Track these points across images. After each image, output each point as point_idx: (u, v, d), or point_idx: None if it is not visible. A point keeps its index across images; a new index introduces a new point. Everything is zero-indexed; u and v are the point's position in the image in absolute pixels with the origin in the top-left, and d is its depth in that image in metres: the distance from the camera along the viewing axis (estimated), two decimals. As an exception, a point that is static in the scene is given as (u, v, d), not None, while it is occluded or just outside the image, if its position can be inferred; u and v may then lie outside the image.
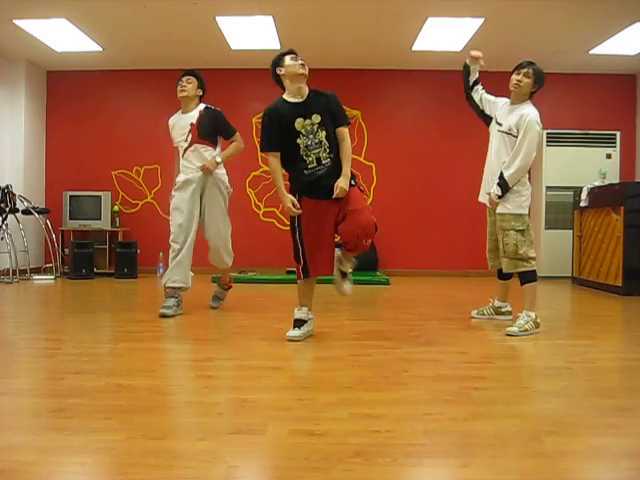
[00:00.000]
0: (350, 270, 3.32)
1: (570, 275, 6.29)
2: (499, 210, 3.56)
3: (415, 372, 2.55)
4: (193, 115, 4.01)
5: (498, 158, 3.58)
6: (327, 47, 6.37)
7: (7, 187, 6.17)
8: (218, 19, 5.49)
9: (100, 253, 6.88)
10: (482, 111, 3.82)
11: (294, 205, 3.13)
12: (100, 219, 6.86)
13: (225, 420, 1.93)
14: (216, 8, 5.25)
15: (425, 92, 7.12)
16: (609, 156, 6.67)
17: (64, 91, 7.22)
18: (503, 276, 3.79)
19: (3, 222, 6.09)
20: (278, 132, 3.13)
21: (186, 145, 4.01)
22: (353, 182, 3.16)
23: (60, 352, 2.92)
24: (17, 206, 6.29)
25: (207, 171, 3.97)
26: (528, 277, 3.50)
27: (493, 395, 2.23)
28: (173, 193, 4.12)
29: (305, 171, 3.13)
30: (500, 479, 1.49)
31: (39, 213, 6.58)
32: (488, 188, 3.63)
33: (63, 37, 5.95)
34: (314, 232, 3.14)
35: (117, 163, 7.21)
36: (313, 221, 3.14)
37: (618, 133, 6.72)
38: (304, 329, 3.18)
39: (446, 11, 5.28)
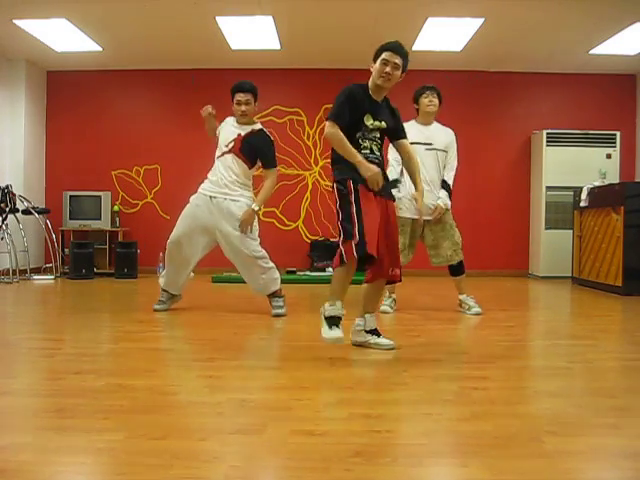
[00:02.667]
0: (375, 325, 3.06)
1: (570, 275, 6.28)
2: (445, 205, 4.08)
3: (415, 372, 2.55)
4: (245, 128, 3.97)
5: (430, 172, 4.04)
6: (327, 47, 6.37)
7: (7, 187, 6.17)
8: (218, 19, 5.49)
9: (100, 253, 6.88)
10: None
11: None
12: (100, 219, 6.86)
13: (225, 420, 1.93)
14: (216, 8, 5.25)
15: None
16: (609, 156, 6.66)
17: (64, 91, 7.22)
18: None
19: (3, 222, 6.09)
20: (350, 111, 2.87)
21: (226, 150, 3.96)
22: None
23: (60, 352, 2.92)
24: (17, 206, 6.29)
25: (246, 223, 3.86)
26: (463, 265, 4.16)
27: (493, 395, 2.23)
28: (192, 199, 4.04)
29: (358, 150, 2.88)
30: (500, 479, 1.49)
31: (39, 213, 6.57)
32: (428, 199, 3.95)
33: (63, 37, 5.95)
34: (372, 214, 2.79)
35: (117, 163, 7.20)
36: (371, 206, 2.81)
37: (618, 133, 6.72)
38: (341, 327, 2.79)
39: (446, 11, 5.28)
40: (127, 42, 6.23)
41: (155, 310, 4.10)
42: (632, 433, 1.82)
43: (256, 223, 4.00)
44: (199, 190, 4.04)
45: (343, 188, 2.84)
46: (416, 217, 3.94)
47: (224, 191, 3.93)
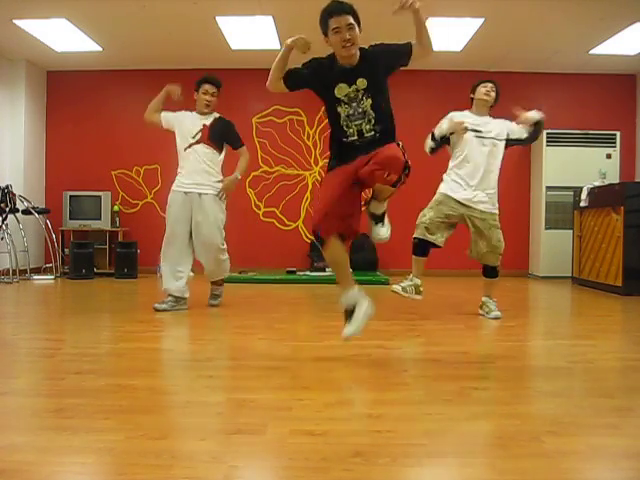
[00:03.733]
0: (382, 210, 2.91)
1: (570, 275, 6.28)
2: (493, 210, 4.05)
3: (415, 372, 2.55)
4: (207, 118, 4.19)
5: (475, 169, 3.97)
6: (327, 47, 6.35)
7: (7, 187, 6.17)
8: (218, 19, 5.49)
9: (100, 253, 6.88)
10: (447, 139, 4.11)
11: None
12: (100, 219, 6.86)
13: (225, 420, 1.93)
14: (216, 8, 5.25)
15: (425, 92, 7.12)
16: (609, 156, 6.66)
17: (64, 91, 7.22)
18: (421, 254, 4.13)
19: (3, 222, 6.09)
20: (311, 82, 2.74)
21: (193, 141, 4.14)
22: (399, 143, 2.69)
23: (60, 352, 2.92)
24: (17, 206, 6.29)
25: (228, 191, 4.19)
26: (497, 270, 4.11)
27: (493, 395, 2.23)
28: (169, 199, 4.20)
29: (344, 139, 2.71)
30: (500, 479, 1.49)
31: (39, 213, 6.57)
32: (486, 185, 4.00)
33: (63, 37, 5.95)
34: (330, 187, 2.69)
35: (117, 163, 7.21)
36: (332, 181, 2.69)
37: (618, 133, 6.72)
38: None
39: (446, 11, 5.28)
40: (127, 42, 6.23)
41: (155, 309, 4.11)
42: (632, 433, 1.82)
43: (224, 217, 4.20)
44: (173, 188, 4.20)
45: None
46: (453, 196, 4.00)
47: (197, 182, 4.12)
